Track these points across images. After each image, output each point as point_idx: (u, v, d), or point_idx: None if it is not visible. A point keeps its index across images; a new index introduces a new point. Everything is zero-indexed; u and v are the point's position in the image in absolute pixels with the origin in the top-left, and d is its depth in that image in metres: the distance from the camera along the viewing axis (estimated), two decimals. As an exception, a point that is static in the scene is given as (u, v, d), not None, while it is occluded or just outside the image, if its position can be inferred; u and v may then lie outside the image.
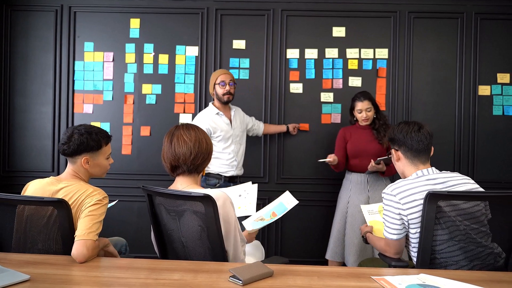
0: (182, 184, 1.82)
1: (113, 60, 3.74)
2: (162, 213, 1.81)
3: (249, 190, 2.52)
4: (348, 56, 3.68)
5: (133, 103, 3.73)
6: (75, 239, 1.71)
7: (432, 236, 1.76)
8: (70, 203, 1.83)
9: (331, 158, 3.06)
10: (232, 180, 3.19)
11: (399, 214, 1.86)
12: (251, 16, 3.72)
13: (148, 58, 3.73)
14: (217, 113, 3.14)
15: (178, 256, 1.82)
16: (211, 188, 3.07)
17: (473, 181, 1.93)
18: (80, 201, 1.85)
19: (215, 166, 3.14)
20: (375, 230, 2.32)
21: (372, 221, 2.42)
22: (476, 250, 1.77)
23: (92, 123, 3.67)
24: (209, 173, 3.14)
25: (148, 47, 3.73)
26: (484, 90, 3.67)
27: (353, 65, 3.68)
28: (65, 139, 1.97)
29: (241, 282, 1.42)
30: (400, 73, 3.68)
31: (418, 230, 1.83)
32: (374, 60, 3.68)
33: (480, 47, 3.67)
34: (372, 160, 3.01)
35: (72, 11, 3.74)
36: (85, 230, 1.73)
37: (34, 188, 1.96)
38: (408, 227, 1.87)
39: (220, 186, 3.10)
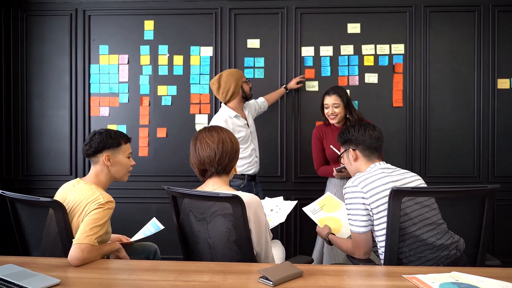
0: (214, 185, 1.82)
1: (128, 62, 3.75)
2: (187, 214, 1.80)
3: (282, 206, 2.51)
4: (363, 52, 3.64)
5: (149, 104, 3.74)
6: (72, 243, 1.72)
7: (398, 232, 1.76)
8: (77, 205, 1.88)
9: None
10: (253, 179, 3.17)
11: (363, 204, 1.88)
12: (265, 15, 3.70)
13: (162, 59, 3.73)
14: (235, 115, 3.05)
15: (203, 257, 1.81)
16: (236, 189, 3.05)
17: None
18: (84, 205, 1.87)
19: (237, 166, 3.11)
20: (333, 229, 2.27)
21: (321, 220, 2.37)
22: (440, 241, 1.81)
23: (109, 126, 3.74)
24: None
25: (163, 49, 3.73)
26: (503, 83, 3.61)
27: (369, 61, 3.64)
28: (87, 141, 2.07)
29: (271, 283, 1.40)
30: (417, 68, 3.63)
31: (382, 222, 1.83)
32: (390, 56, 3.64)
33: (498, 39, 3.61)
34: (334, 169, 2.84)
35: (87, 14, 3.76)
36: (82, 234, 1.73)
37: (61, 190, 2.04)
38: (373, 219, 1.88)
39: (244, 186, 3.08)
